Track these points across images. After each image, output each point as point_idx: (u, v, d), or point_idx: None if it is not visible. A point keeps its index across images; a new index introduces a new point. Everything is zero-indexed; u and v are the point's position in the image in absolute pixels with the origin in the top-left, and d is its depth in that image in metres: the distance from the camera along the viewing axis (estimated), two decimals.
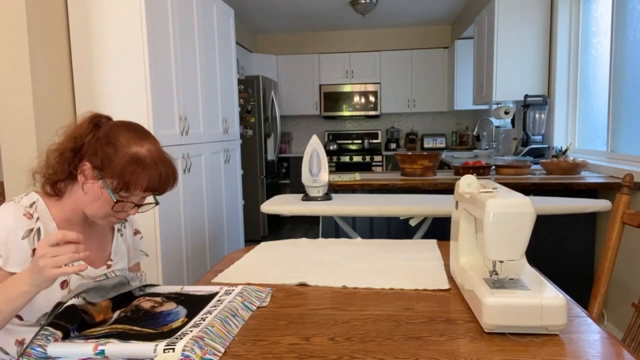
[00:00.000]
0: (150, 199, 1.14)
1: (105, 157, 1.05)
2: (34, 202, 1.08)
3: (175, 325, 0.98)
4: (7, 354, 1.05)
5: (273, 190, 5.58)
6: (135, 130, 1.10)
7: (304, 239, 1.78)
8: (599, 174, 2.81)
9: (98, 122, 1.11)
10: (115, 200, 1.07)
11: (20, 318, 1.04)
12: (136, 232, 1.35)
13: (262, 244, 1.74)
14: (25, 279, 0.92)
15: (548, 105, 3.55)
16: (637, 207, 2.35)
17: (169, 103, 2.59)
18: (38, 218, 1.05)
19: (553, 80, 3.57)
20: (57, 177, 1.09)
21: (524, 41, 3.66)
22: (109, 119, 1.14)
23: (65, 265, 0.90)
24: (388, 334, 0.97)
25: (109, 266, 1.20)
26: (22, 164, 2.16)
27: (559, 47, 3.50)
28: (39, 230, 1.04)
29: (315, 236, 2.07)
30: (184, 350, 0.85)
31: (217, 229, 3.31)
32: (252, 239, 5.07)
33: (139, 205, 1.12)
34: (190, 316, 1.02)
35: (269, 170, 5.39)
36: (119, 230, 1.27)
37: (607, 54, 2.88)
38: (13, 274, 0.98)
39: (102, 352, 0.87)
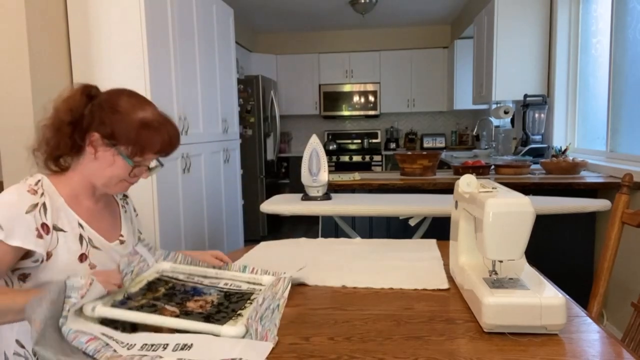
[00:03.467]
0: (155, 162, 1.17)
1: (114, 125, 1.07)
2: (39, 180, 1.09)
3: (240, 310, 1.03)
4: (22, 347, 1.05)
5: (273, 190, 5.58)
6: (135, 96, 1.12)
7: (303, 239, 1.78)
8: (599, 173, 2.81)
9: (89, 92, 1.13)
10: (132, 166, 1.10)
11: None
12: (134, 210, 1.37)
13: (262, 243, 1.74)
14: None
15: (547, 104, 3.55)
16: (637, 206, 2.35)
17: (169, 103, 2.59)
18: (43, 193, 1.06)
19: (553, 79, 3.57)
20: (59, 152, 1.11)
21: (524, 41, 3.66)
22: (97, 89, 1.16)
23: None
24: (388, 334, 0.97)
25: (121, 242, 1.20)
26: (22, 164, 2.15)
27: (558, 47, 3.50)
28: (44, 204, 1.05)
29: (315, 236, 2.07)
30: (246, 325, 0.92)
31: (217, 228, 3.31)
32: (251, 239, 5.06)
33: (149, 169, 1.16)
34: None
35: (268, 170, 5.38)
36: (122, 206, 1.28)
37: (607, 54, 2.88)
38: (15, 247, 0.99)
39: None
